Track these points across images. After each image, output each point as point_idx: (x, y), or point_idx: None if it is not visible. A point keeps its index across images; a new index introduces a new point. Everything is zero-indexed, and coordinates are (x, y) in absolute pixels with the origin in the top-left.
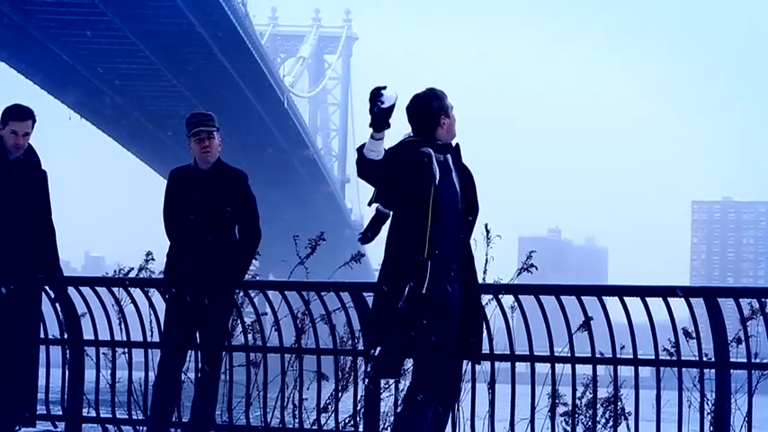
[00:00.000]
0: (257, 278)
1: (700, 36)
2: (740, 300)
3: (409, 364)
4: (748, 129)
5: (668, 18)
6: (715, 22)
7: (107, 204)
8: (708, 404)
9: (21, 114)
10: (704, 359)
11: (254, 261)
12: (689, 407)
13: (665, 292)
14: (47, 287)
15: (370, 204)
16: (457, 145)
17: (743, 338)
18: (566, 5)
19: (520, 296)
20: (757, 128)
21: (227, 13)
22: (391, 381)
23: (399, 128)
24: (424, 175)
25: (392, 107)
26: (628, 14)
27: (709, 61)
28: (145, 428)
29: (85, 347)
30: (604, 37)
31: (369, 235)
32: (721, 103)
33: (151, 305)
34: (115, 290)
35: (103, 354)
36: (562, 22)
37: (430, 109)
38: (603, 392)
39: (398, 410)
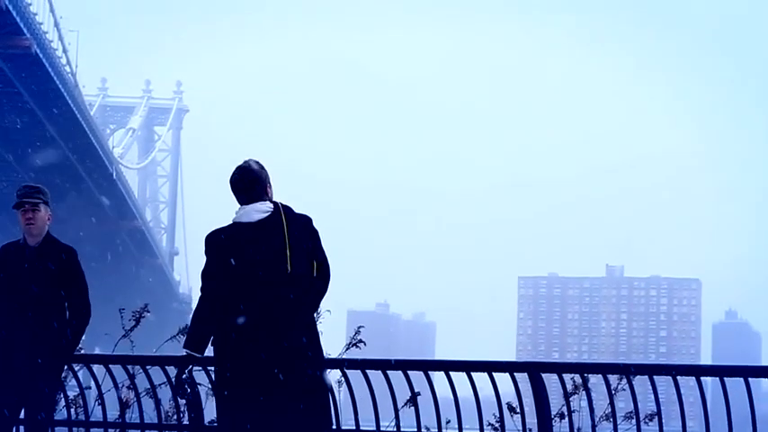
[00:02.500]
0: (81, 351)
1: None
2: (563, 375)
3: None
4: (574, 206)
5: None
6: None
7: None
8: None
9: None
10: None
11: None
12: None
13: (490, 367)
14: None
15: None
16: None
17: (566, 413)
18: None
19: (347, 370)
20: (583, 205)
21: (57, 85)
22: None
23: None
24: None
25: None
26: None
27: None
28: None
29: None
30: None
31: None
32: (549, 183)
33: None
34: None
35: None
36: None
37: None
38: None
39: None
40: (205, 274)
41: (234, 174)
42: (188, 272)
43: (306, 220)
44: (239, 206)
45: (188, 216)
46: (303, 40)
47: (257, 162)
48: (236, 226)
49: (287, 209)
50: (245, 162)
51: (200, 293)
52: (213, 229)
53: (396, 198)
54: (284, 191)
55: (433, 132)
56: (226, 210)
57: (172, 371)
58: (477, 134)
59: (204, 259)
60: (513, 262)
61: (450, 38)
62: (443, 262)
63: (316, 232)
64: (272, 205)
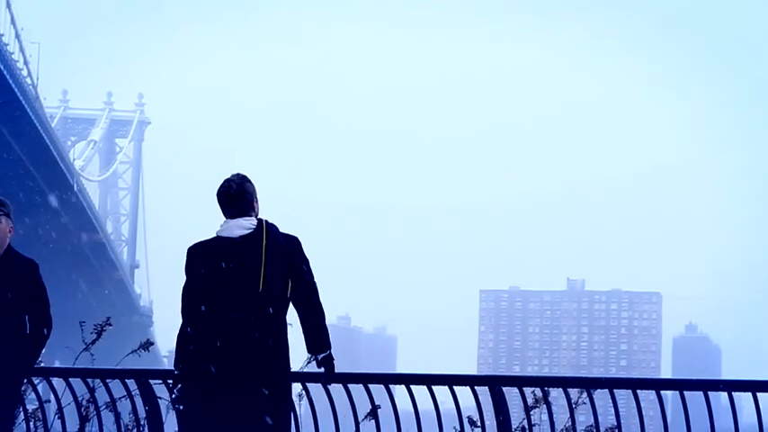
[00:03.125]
0: (41, 365)
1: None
2: (524, 388)
3: None
4: (536, 220)
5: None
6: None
7: None
8: None
9: None
10: None
11: None
12: None
13: (451, 381)
14: None
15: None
16: None
17: (527, 427)
18: None
19: (307, 384)
20: (544, 220)
21: (18, 97)
22: None
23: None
24: None
25: None
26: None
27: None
28: None
29: None
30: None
31: None
32: (510, 198)
33: None
34: None
35: None
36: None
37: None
38: None
39: None
40: (186, 290)
41: (221, 187)
42: (149, 285)
43: (291, 241)
44: (224, 219)
45: (149, 228)
46: (266, 49)
47: (245, 177)
48: (218, 240)
49: (271, 228)
50: (233, 176)
51: (182, 310)
52: (196, 241)
53: (357, 212)
54: None
55: (397, 148)
56: (187, 222)
57: (132, 384)
58: (439, 150)
59: (185, 272)
60: (475, 275)
61: (413, 49)
62: (405, 275)
63: (301, 254)
64: (255, 222)
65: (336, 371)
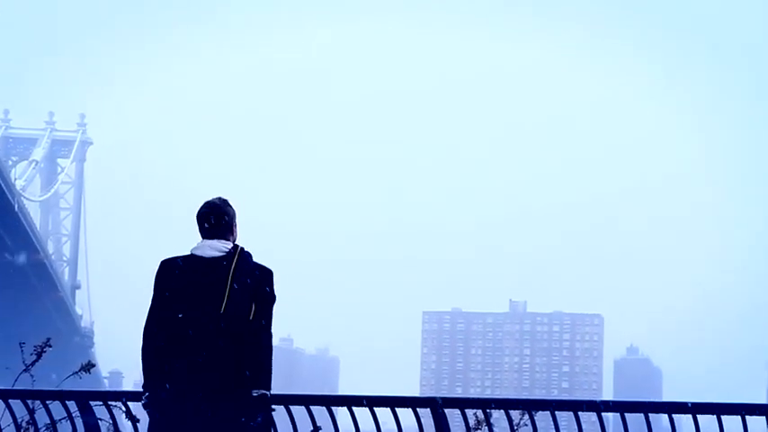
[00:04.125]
0: None
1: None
2: (466, 410)
3: None
4: (478, 242)
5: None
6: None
7: None
8: None
9: None
10: None
11: None
12: None
13: (393, 403)
14: None
15: None
16: None
17: None
18: None
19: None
20: (487, 241)
21: None
22: None
23: None
24: None
25: None
26: None
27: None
28: None
29: None
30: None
31: None
32: (453, 220)
33: None
34: None
35: None
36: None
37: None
38: None
39: None
40: (153, 304)
41: (202, 208)
42: (90, 306)
43: (262, 272)
44: (201, 239)
45: (91, 249)
46: (210, 68)
47: (226, 201)
48: (190, 258)
49: (244, 254)
50: (215, 198)
51: (146, 322)
52: (169, 256)
53: (299, 234)
54: (185, 222)
55: (340, 170)
56: (130, 243)
57: (72, 406)
58: (381, 173)
59: (154, 285)
60: (418, 297)
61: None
62: (348, 297)
63: (270, 287)
64: (230, 246)
65: (278, 393)
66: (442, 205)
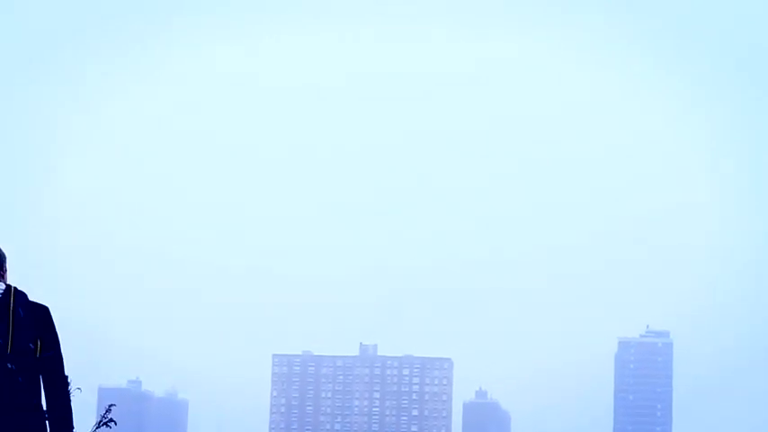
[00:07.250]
0: None
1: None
2: None
3: None
4: (328, 287)
5: None
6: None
7: None
8: None
9: None
10: None
11: None
12: None
13: None
14: None
15: None
16: None
17: None
18: None
19: None
20: (336, 284)
21: None
22: None
23: None
24: None
25: None
26: None
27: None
28: None
29: None
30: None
31: None
32: (304, 261)
33: None
34: None
35: None
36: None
37: None
38: None
39: None
40: None
41: None
42: None
43: (40, 310)
44: None
45: None
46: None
47: None
48: None
49: (19, 294)
50: None
51: None
52: None
53: (147, 270)
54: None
55: (195, 199)
56: None
57: None
58: (233, 211)
59: None
60: (268, 340)
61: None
62: (198, 337)
63: (49, 322)
64: (3, 287)
65: None
66: (291, 250)
